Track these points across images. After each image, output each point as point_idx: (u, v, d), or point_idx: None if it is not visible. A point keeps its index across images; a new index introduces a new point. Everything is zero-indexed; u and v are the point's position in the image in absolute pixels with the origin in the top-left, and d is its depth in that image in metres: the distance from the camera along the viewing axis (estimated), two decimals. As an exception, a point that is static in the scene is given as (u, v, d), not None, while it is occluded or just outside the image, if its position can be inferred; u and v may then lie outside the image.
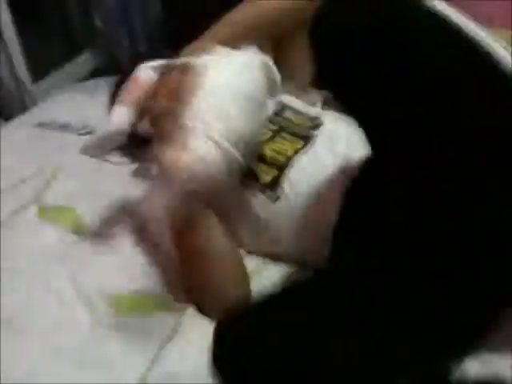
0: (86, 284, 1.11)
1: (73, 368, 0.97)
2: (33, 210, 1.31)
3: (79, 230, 1.25)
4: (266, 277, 1.14)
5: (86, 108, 1.68)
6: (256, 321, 0.82)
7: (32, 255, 1.19)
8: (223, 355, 0.82)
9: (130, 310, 1.08)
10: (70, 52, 2.64)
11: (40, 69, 2.40)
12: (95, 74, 2.47)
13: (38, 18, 2.56)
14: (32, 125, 1.65)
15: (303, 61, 1.42)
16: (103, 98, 1.66)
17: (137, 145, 1.33)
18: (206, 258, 1.08)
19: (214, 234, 1.11)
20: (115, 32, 2.54)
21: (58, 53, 2.66)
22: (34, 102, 2.23)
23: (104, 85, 1.82)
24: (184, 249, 1.09)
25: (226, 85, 1.06)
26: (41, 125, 1.64)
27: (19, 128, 1.66)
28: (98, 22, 2.55)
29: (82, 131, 1.57)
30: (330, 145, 1.18)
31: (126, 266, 1.14)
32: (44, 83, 2.40)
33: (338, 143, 1.17)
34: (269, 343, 0.78)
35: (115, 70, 2.38)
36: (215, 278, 1.07)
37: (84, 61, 2.66)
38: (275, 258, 1.20)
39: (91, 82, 2.00)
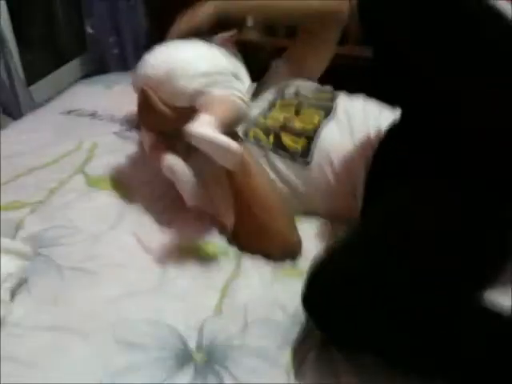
0: (148, 239, 1.21)
1: (150, 300, 1.06)
2: (80, 179, 1.41)
3: (125, 194, 1.35)
4: (300, 230, 1.25)
5: (108, 98, 1.79)
6: (343, 264, 0.91)
7: (87, 215, 1.26)
8: (316, 297, 0.91)
9: (196, 255, 1.18)
10: (59, 59, 2.74)
11: (31, 74, 2.49)
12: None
13: (28, 25, 2.65)
14: (61, 112, 1.73)
15: (316, 60, 1.62)
16: (119, 89, 1.82)
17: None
18: (263, 200, 1.19)
19: (265, 179, 1.24)
20: (105, 39, 2.67)
21: (48, 59, 2.76)
22: (31, 105, 2.33)
23: (119, 78, 1.97)
24: (243, 193, 1.19)
25: None
26: (70, 112, 1.72)
27: (48, 113, 1.74)
28: (88, 29, 2.67)
29: (111, 119, 1.67)
30: (347, 116, 1.34)
31: (187, 221, 1.26)
32: (36, 88, 2.49)
33: (354, 116, 1.33)
34: (358, 281, 0.87)
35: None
36: (273, 220, 1.18)
37: (73, 67, 2.76)
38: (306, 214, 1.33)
39: (107, 76, 2.11)
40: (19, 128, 1.69)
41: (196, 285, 1.11)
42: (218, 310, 1.06)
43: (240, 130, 1.30)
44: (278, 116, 1.35)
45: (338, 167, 1.29)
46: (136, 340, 0.97)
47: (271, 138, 1.31)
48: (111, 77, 2.06)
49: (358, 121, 1.33)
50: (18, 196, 1.33)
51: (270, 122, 1.35)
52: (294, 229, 1.23)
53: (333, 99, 1.40)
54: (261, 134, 1.32)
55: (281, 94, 1.45)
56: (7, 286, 1.04)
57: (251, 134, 1.33)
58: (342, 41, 2.43)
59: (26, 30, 2.57)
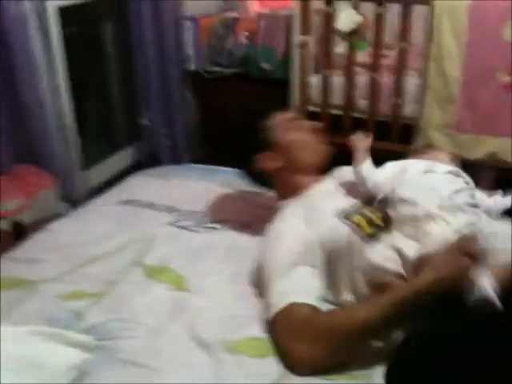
0: (203, 332, 1.25)
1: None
2: (138, 270, 1.47)
3: (182, 286, 1.41)
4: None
5: (165, 190, 1.89)
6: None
7: (146, 308, 1.32)
8: None
9: (246, 352, 1.20)
10: (113, 146, 2.91)
11: (87, 160, 2.64)
12: (135, 167, 2.71)
13: (88, 114, 2.84)
14: (119, 202, 1.83)
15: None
16: (177, 181, 1.91)
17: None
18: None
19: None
20: (159, 131, 2.83)
21: (104, 146, 2.93)
22: (87, 191, 2.46)
23: (175, 170, 2.08)
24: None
25: None
26: (128, 202, 1.82)
27: (108, 204, 1.84)
28: (144, 121, 2.84)
29: (168, 211, 1.75)
30: None
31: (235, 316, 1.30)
32: (91, 172, 2.63)
33: None
34: None
35: (154, 164, 2.65)
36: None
37: (126, 155, 2.92)
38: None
39: (163, 168, 2.22)
40: (79, 217, 1.79)
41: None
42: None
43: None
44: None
45: None
46: None
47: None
48: (167, 169, 2.17)
49: None
50: (79, 286, 1.40)
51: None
52: None
53: None
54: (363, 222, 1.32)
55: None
56: (70, 377, 1.08)
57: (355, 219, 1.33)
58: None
59: (85, 118, 2.76)
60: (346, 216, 1.32)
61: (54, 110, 2.25)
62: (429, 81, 2.40)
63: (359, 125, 2.63)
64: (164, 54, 2.69)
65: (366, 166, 1.42)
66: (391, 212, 1.33)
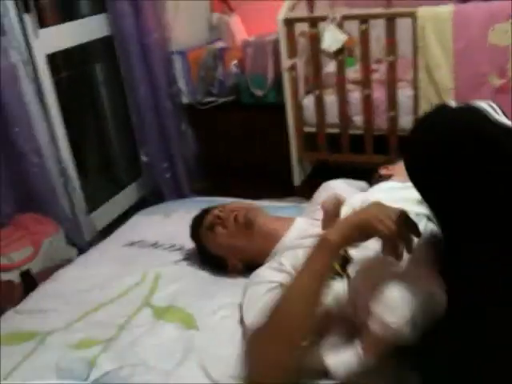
0: (216, 371, 1.23)
1: None
2: (147, 312, 1.46)
3: (191, 325, 1.40)
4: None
5: (166, 227, 1.89)
6: None
7: (157, 350, 1.30)
8: None
9: None
10: (116, 185, 2.92)
11: (91, 202, 2.65)
12: (140, 204, 2.72)
13: (86, 156, 2.87)
14: (123, 244, 1.83)
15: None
16: (179, 217, 1.91)
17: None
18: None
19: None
20: (158, 165, 2.84)
21: (106, 186, 2.94)
22: (93, 233, 2.47)
23: (176, 205, 2.08)
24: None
25: None
26: (132, 243, 1.82)
27: (112, 246, 1.84)
28: (143, 157, 2.85)
29: (172, 248, 1.75)
30: None
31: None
32: (96, 214, 2.64)
33: None
34: None
35: (158, 199, 2.66)
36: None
37: (130, 193, 2.93)
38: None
39: (164, 204, 2.23)
40: (85, 263, 1.79)
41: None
42: None
43: None
44: None
45: None
46: None
47: None
48: (168, 205, 2.16)
49: None
50: (88, 334, 1.39)
51: None
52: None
53: None
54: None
55: None
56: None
57: None
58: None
59: (84, 160, 2.78)
60: None
61: (52, 156, 2.27)
62: (421, 91, 2.41)
63: (357, 141, 2.64)
64: (156, 89, 2.71)
65: None
66: None
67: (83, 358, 1.30)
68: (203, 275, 1.60)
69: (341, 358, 1.10)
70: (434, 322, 1.04)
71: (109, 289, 1.58)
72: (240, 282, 1.48)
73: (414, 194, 1.08)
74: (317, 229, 1.33)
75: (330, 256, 1.10)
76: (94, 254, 1.85)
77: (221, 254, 1.57)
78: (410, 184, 1.07)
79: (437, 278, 1.08)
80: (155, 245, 1.79)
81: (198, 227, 1.60)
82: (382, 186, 1.50)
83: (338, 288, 1.19)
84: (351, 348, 1.09)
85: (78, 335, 1.39)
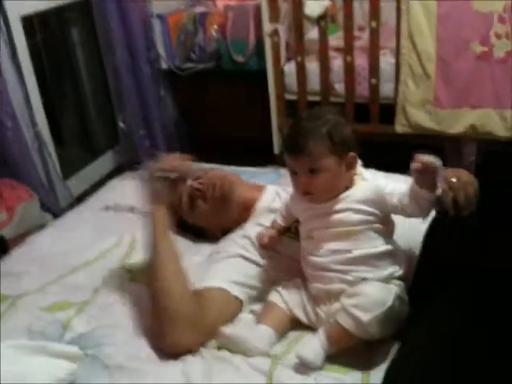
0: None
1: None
2: (122, 275, 1.43)
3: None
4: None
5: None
6: None
7: (132, 312, 1.29)
8: None
9: None
10: (93, 152, 2.87)
11: (67, 169, 2.60)
12: (117, 172, 2.67)
13: (63, 123, 2.80)
14: (99, 208, 1.80)
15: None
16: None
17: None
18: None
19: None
20: (136, 132, 2.79)
21: (82, 154, 2.88)
22: (69, 200, 2.42)
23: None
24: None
25: None
26: (108, 208, 1.79)
27: (88, 210, 1.80)
28: (120, 124, 2.80)
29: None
30: None
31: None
32: (72, 181, 2.59)
33: None
34: None
35: (135, 167, 2.61)
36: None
37: (107, 160, 2.88)
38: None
39: (141, 170, 2.19)
40: (59, 227, 1.75)
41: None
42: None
43: None
44: None
45: None
46: None
47: None
48: (145, 171, 2.12)
49: None
50: (62, 297, 1.37)
51: None
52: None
53: None
54: None
55: None
56: (58, 390, 1.05)
57: None
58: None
59: (60, 127, 2.72)
60: None
61: (26, 120, 2.21)
62: (403, 58, 2.38)
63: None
64: (134, 54, 2.65)
65: None
66: None
67: (56, 320, 1.28)
68: (180, 239, 1.57)
69: (309, 346, 1.12)
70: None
71: (84, 252, 1.55)
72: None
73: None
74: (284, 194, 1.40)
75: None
76: (69, 218, 1.81)
77: (200, 225, 1.55)
78: None
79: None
80: (131, 209, 1.75)
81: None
82: None
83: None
84: (316, 336, 1.13)
85: (52, 298, 1.36)
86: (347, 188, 1.19)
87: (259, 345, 1.17)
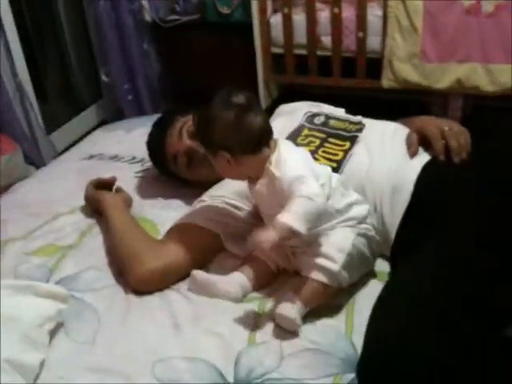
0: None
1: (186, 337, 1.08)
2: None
3: (154, 232, 1.36)
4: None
5: (127, 141, 1.83)
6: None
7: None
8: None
9: None
10: (76, 107, 2.82)
11: (50, 124, 2.56)
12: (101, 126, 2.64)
13: (45, 77, 2.74)
14: (82, 157, 1.77)
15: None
16: (138, 132, 1.85)
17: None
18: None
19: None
20: (120, 86, 2.75)
21: (66, 108, 2.84)
22: (52, 153, 2.39)
23: (138, 122, 2.02)
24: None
25: None
26: (92, 157, 1.76)
27: (72, 160, 1.78)
28: (103, 77, 2.75)
29: (133, 161, 1.71)
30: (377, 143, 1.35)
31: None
32: (56, 136, 2.56)
33: (383, 143, 1.35)
34: None
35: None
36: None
37: (90, 114, 2.84)
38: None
39: (123, 121, 2.17)
40: (44, 176, 1.74)
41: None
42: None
43: None
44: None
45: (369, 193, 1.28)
46: (176, 377, 0.99)
47: None
48: (129, 122, 2.10)
49: (388, 146, 1.35)
50: (47, 241, 1.36)
51: None
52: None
53: (361, 129, 1.40)
54: None
55: (309, 121, 1.45)
56: (46, 329, 1.05)
57: None
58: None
59: (43, 82, 2.66)
60: None
61: (7, 71, 2.17)
62: (390, 11, 2.36)
63: (324, 65, 2.60)
64: (116, 4, 2.59)
65: None
66: None
67: (43, 263, 1.28)
68: (165, 186, 1.56)
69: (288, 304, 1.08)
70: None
71: (69, 200, 1.53)
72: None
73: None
74: None
75: None
76: (52, 167, 1.80)
77: (185, 178, 1.52)
78: None
79: None
80: (115, 158, 1.74)
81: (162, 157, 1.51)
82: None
83: None
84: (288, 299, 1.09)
85: (38, 242, 1.36)
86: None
87: (230, 289, 1.13)
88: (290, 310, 1.06)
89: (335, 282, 1.10)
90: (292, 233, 1.02)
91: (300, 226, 1.01)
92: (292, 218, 1.01)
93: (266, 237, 1.01)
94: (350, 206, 1.16)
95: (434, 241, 1.11)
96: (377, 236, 1.19)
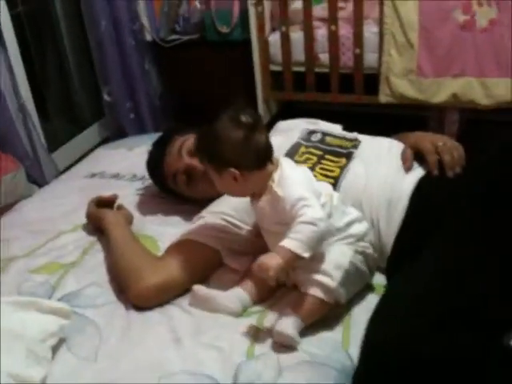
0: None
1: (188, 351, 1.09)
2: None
3: (154, 249, 1.37)
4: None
5: (128, 159, 1.86)
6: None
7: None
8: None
9: None
10: (78, 125, 2.86)
11: (53, 142, 2.60)
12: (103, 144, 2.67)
13: (47, 96, 2.79)
14: (84, 176, 1.80)
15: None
16: (139, 150, 1.88)
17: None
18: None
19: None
20: (122, 105, 2.79)
21: (68, 127, 2.88)
22: (54, 172, 2.42)
23: (139, 140, 2.05)
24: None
25: None
26: (93, 175, 1.79)
27: (74, 178, 1.81)
28: (105, 96, 2.79)
29: (134, 179, 1.73)
30: (372, 159, 1.38)
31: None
32: (58, 154, 2.59)
33: (379, 158, 1.38)
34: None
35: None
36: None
37: (92, 133, 2.88)
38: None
39: (127, 139, 2.20)
40: (46, 194, 1.76)
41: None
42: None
43: None
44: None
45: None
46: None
47: None
48: (131, 140, 2.14)
49: (384, 161, 1.38)
50: (50, 258, 1.39)
51: None
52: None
53: (357, 146, 1.43)
54: None
55: (305, 139, 1.47)
56: (49, 344, 1.07)
57: None
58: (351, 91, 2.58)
59: (45, 101, 2.71)
60: None
61: (10, 91, 2.20)
62: (386, 28, 2.40)
63: (322, 81, 2.63)
64: (118, 25, 2.64)
65: None
66: None
67: (45, 281, 1.30)
68: (165, 203, 1.59)
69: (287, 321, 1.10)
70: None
71: (71, 217, 1.56)
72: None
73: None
74: None
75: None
76: (54, 186, 1.83)
77: (184, 196, 1.54)
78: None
79: None
80: (116, 176, 1.77)
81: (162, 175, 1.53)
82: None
83: None
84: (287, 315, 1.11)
85: (41, 260, 1.38)
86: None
87: (230, 304, 1.16)
88: (289, 327, 1.08)
89: (332, 299, 1.12)
90: (296, 258, 1.05)
91: (304, 253, 1.05)
92: (296, 244, 1.05)
93: (271, 264, 1.03)
94: (350, 223, 1.19)
95: (429, 253, 1.13)
96: (374, 253, 1.22)
